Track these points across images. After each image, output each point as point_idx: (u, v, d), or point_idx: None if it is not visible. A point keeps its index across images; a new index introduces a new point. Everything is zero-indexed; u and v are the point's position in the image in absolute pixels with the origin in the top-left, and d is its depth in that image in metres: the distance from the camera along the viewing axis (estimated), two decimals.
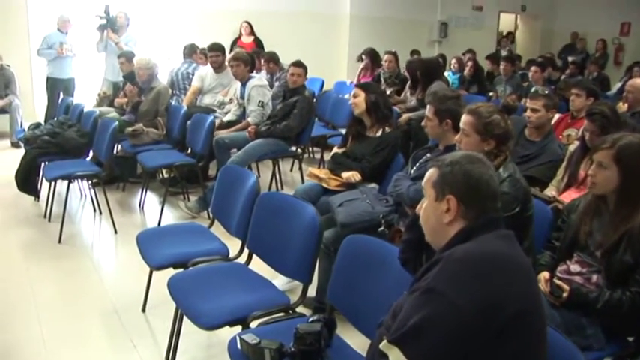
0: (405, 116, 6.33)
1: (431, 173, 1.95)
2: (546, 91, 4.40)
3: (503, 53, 12.15)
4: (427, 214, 1.96)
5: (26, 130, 7.13)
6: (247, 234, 3.30)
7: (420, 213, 2.00)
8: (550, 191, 3.85)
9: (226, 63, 6.86)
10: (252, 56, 7.24)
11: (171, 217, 5.66)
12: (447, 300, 1.63)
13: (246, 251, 3.36)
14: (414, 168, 3.61)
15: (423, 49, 10.87)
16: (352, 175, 4.10)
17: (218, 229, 3.75)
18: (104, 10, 8.62)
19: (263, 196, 3.30)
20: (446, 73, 8.37)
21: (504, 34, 14.89)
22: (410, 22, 12.15)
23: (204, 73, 7.11)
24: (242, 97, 6.17)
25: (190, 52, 8.17)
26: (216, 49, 6.92)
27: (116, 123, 5.55)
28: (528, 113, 4.21)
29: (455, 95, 3.67)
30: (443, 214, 1.88)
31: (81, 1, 9.77)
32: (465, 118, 3.00)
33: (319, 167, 5.88)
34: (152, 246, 3.52)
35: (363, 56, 8.65)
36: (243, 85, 6.14)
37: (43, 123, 7.44)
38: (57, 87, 9.27)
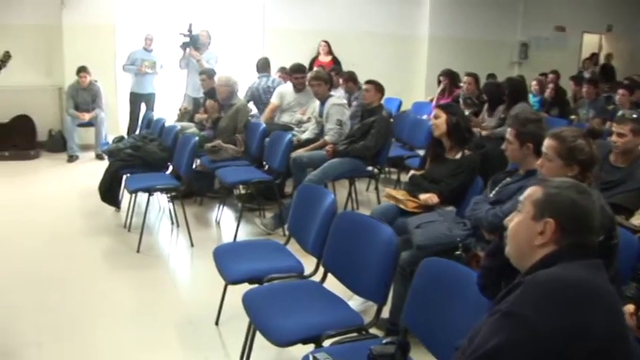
0: (484, 133, 6.26)
1: (534, 190, 1.88)
2: (634, 115, 4.22)
3: (586, 75, 11.84)
4: (518, 230, 1.89)
5: (110, 142, 7.37)
6: (323, 252, 3.30)
7: (510, 225, 1.94)
8: (637, 220, 3.72)
9: (306, 82, 6.95)
10: (330, 75, 7.27)
11: (246, 232, 5.71)
12: (528, 325, 1.59)
13: (321, 269, 3.36)
14: (494, 192, 3.55)
15: (502, 71, 10.68)
16: (430, 197, 4.06)
17: (294, 247, 3.76)
18: (187, 29, 8.82)
19: (341, 215, 3.30)
20: None
21: (589, 55, 14.49)
22: (489, 43, 11.99)
23: (284, 90, 7.17)
24: (320, 115, 6.19)
25: (264, 66, 8.27)
26: (301, 70, 7.00)
27: (196, 138, 5.66)
28: (614, 138, 4.05)
29: (537, 118, 3.59)
30: (536, 234, 1.81)
31: (166, 20, 10.05)
32: (547, 142, 2.93)
33: (395, 188, 5.83)
34: (228, 261, 3.57)
35: (441, 77, 8.59)
36: (323, 103, 6.16)
37: (125, 136, 7.67)
38: (138, 102, 9.60)
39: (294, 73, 7.05)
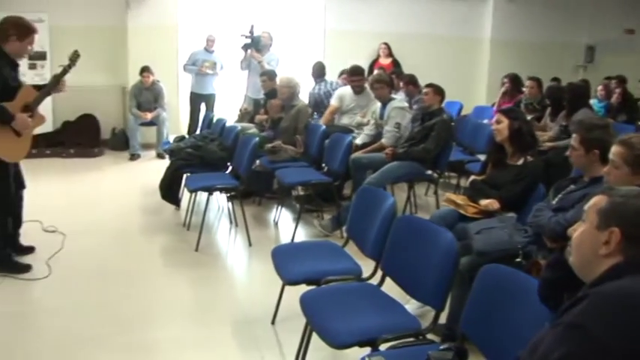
0: (547, 145, 6.11)
1: (599, 199, 1.82)
2: None
3: None
4: (582, 240, 1.84)
5: (171, 142, 7.48)
6: (382, 255, 3.29)
7: (573, 235, 1.89)
8: None
9: (366, 85, 6.93)
10: (392, 78, 7.24)
11: (304, 233, 5.73)
12: (595, 338, 1.54)
13: (379, 273, 3.34)
14: (557, 199, 3.48)
15: (566, 75, 10.41)
16: (490, 203, 3.99)
17: (351, 249, 3.75)
18: (249, 30, 8.91)
19: (401, 219, 3.28)
20: (591, 101, 8.00)
21: None
22: (554, 46, 11.66)
23: (343, 93, 7.17)
24: (381, 117, 6.16)
25: (320, 71, 8.28)
26: (359, 73, 7.00)
27: (257, 139, 5.70)
28: None
29: (604, 124, 3.50)
30: (600, 244, 1.75)
31: (228, 21, 10.17)
32: (615, 149, 2.85)
33: (455, 193, 5.76)
34: (287, 261, 3.58)
35: (505, 80, 8.45)
36: (384, 106, 6.13)
37: (186, 136, 7.78)
38: (198, 102, 9.73)
39: (352, 75, 7.04)
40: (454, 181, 7.24)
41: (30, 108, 4.65)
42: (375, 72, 8.83)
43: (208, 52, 9.71)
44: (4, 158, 4.52)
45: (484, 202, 4.03)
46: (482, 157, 5.50)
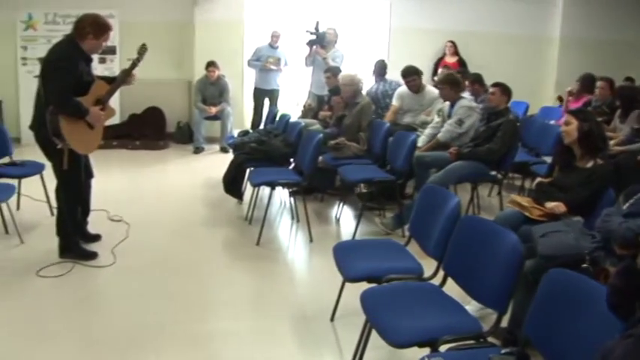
0: (617, 149, 5.93)
1: None
2: None
3: None
4: None
5: (235, 136, 7.56)
6: (444, 256, 3.26)
7: None
8: None
9: (424, 83, 6.91)
10: (458, 77, 7.12)
11: (365, 231, 5.71)
12: None
13: (441, 273, 3.31)
14: (627, 204, 3.38)
15: None
16: (557, 206, 3.91)
17: (413, 248, 3.72)
18: (314, 26, 8.91)
19: (465, 219, 3.24)
20: None
21: None
22: (626, 44, 11.22)
23: (402, 92, 7.14)
24: (449, 116, 6.08)
25: (382, 69, 8.23)
26: (411, 73, 6.93)
27: (320, 135, 5.70)
28: None
29: None
30: None
31: (293, 18, 10.21)
32: None
33: (519, 194, 5.66)
34: (348, 258, 3.57)
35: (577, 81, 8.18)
36: (452, 105, 6.06)
37: (250, 130, 7.85)
38: (262, 97, 9.81)
39: (405, 77, 6.99)
40: (518, 183, 7.11)
41: (102, 101, 4.78)
42: (440, 71, 8.78)
43: (273, 48, 9.77)
44: (77, 150, 4.65)
45: (550, 204, 3.95)
46: (548, 159, 5.40)
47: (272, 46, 9.77)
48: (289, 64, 9.91)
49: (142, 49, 4.95)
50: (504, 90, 5.80)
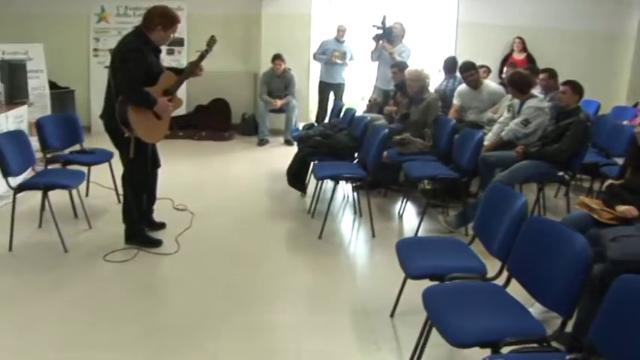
0: None
1: None
2: None
3: None
4: None
5: (300, 129, 7.60)
6: (509, 256, 3.20)
7: None
8: None
9: (482, 79, 6.86)
10: (526, 76, 6.95)
11: (428, 228, 5.66)
12: None
13: (505, 273, 3.25)
14: None
15: None
16: (628, 210, 3.78)
17: (477, 247, 3.67)
18: (381, 21, 8.87)
19: (532, 220, 3.17)
20: None
21: None
22: None
23: (461, 90, 7.06)
24: (519, 112, 5.95)
25: (452, 66, 8.13)
26: (469, 67, 6.84)
27: (386, 130, 5.66)
28: None
29: None
30: None
31: (360, 12, 10.19)
32: None
33: (588, 196, 5.51)
34: (411, 255, 3.55)
35: None
36: (522, 103, 5.94)
37: (315, 124, 7.86)
38: (327, 91, 9.81)
39: (463, 72, 6.91)
40: (587, 185, 6.93)
41: (169, 92, 4.86)
42: (505, 70, 8.63)
43: (339, 42, 9.78)
44: (144, 139, 4.74)
45: (621, 208, 3.83)
46: (619, 161, 5.26)
47: (338, 40, 9.77)
48: (355, 58, 9.88)
49: (211, 41, 5.02)
50: (576, 88, 5.64)
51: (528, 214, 3.35)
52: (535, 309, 3.45)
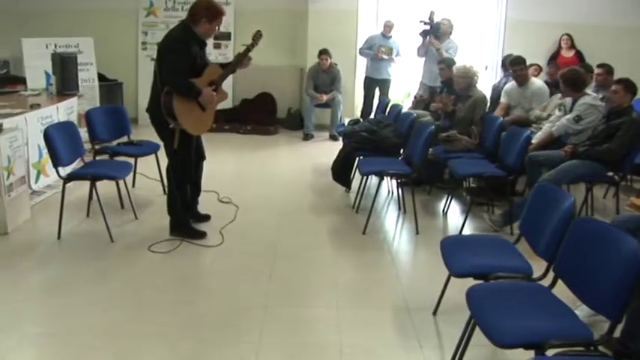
0: None
1: None
2: None
3: None
4: None
5: (345, 124, 7.58)
6: (555, 257, 3.15)
7: None
8: None
9: (530, 76, 6.80)
10: (580, 73, 6.78)
11: (473, 226, 5.62)
12: None
13: (551, 274, 3.19)
14: None
15: None
16: None
17: (522, 247, 3.62)
18: (428, 17, 8.79)
19: (580, 221, 3.10)
20: None
21: None
22: None
23: (508, 87, 6.98)
24: (571, 110, 5.86)
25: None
26: (520, 62, 6.74)
27: (432, 127, 5.61)
28: None
29: None
30: None
31: (407, 7, 10.13)
32: None
33: (638, 197, 5.39)
34: (455, 253, 3.52)
35: None
36: (574, 100, 5.84)
37: (361, 119, 7.84)
38: (372, 86, 9.78)
39: (512, 66, 6.80)
40: (638, 186, 6.79)
41: (215, 84, 4.90)
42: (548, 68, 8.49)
43: (385, 38, 9.72)
44: (189, 130, 4.80)
45: None
46: None
47: (385, 35, 9.72)
48: (401, 54, 9.81)
49: (257, 35, 5.06)
50: (628, 87, 5.50)
51: (576, 215, 3.29)
52: (581, 312, 3.40)
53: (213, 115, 5.04)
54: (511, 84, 6.99)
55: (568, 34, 9.73)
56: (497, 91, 7.58)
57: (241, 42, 5.12)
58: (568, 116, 5.74)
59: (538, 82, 6.82)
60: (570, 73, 5.85)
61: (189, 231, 5.10)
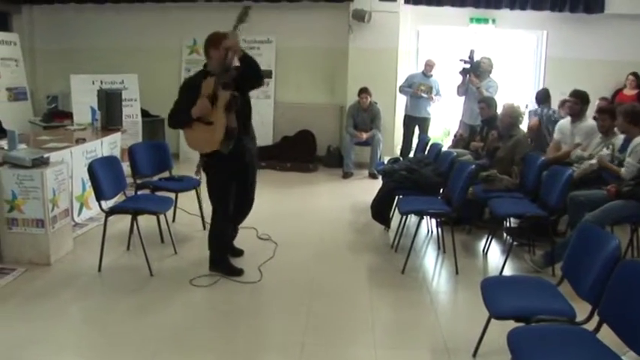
0: None
1: None
2: None
3: None
4: None
5: (385, 163, 7.58)
6: (600, 300, 3.08)
7: None
8: None
9: (589, 117, 6.64)
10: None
11: (513, 267, 5.52)
12: None
13: (595, 318, 3.13)
14: None
15: None
16: None
17: (564, 288, 3.56)
18: (469, 55, 8.82)
19: (626, 264, 3.03)
20: None
21: None
22: None
23: (561, 124, 6.91)
24: (621, 150, 5.76)
25: (545, 97, 7.98)
26: (576, 95, 6.65)
27: (473, 166, 5.59)
28: None
29: None
30: None
31: (447, 46, 10.19)
32: None
33: None
34: (496, 294, 3.49)
35: None
36: (627, 140, 5.73)
37: (400, 158, 7.84)
38: (412, 124, 9.79)
39: (570, 97, 6.75)
40: None
41: (216, 96, 4.74)
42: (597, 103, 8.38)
43: (426, 77, 9.74)
44: (207, 149, 4.82)
45: None
46: None
47: (425, 74, 9.75)
48: (441, 94, 9.81)
49: (243, 13, 4.68)
50: None
51: (622, 257, 3.21)
52: (629, 358, 3.31)
53: (223, 121, 4.73)
54: (565, 120, 6.92)
55: (635, 74, 9.55)
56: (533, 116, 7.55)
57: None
58: (632, 161, 5.55)
59: (591, 122, 6.71)
60: (631, 107, 5.74)
61: (227, 267, 5.13)
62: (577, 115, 6.60)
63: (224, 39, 4.65)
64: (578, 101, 6.62)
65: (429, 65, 9.73)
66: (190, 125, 4.82)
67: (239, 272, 5.11)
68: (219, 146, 4.76)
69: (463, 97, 9.06)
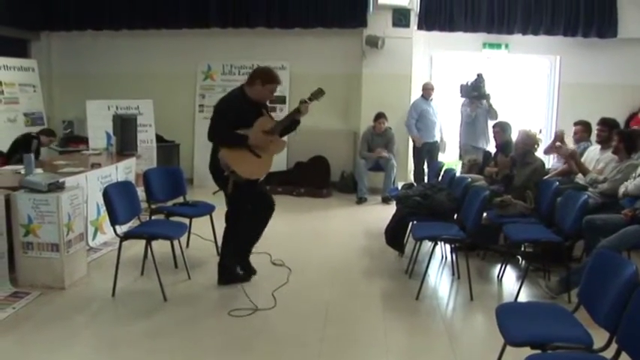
0: None
1: None
2: None
3: None
4: None
5: (398, 188, 7.57)
6: (618, 327, 3.04)
7: None
8: None
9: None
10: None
11: (529, 293, 5.46)
12: None
13: (613, 345, 3.09)
14: None
15: None
16: None
17: (581, 315, 3.51)
18: (477, 80, 8.86)
19: None
20: None
21: None
22: None
23: (591, 150, 6.85)
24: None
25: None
26: (604, 123, 6.63)
27: (487, 192, 5.57)
28: None
29: None
30: None
31: (459, 72, 10.25)
32: None
33: None
34: (511, 320, 3.44)
35: None
36: None
37: (414, 184, 7.83)
38: (423, 150, 9.74)
39: (598, 125, 6.70)
40: None
41: (270, 133, 5.20)
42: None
43: (426, 100, 9.80)
44: (244, 175, 5.08)
45: None
46: None
47: (426, 98, 9.80)
48: (440, 117, 9.96)
49: (317, 92, 5.29)
50: None
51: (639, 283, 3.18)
52: None
53: (270, 162, 5.32)
54: (594, 148, 6.87)
55: None
56: None
57: (297, 105, 5.25)
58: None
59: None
60: (628, 131, 5.74)
61: (234, 276, 5.39)
62: (606, 142, 6.55)
63: (276, 83, 5.22)
64: (605, 129, 6.58)
65: (427, 89, 9.76)
66: (239, 150, 5.10)
67: (245, 279, 5.43)
68: (257, 177, 5.30)
69: (475, 122, 9.09)
